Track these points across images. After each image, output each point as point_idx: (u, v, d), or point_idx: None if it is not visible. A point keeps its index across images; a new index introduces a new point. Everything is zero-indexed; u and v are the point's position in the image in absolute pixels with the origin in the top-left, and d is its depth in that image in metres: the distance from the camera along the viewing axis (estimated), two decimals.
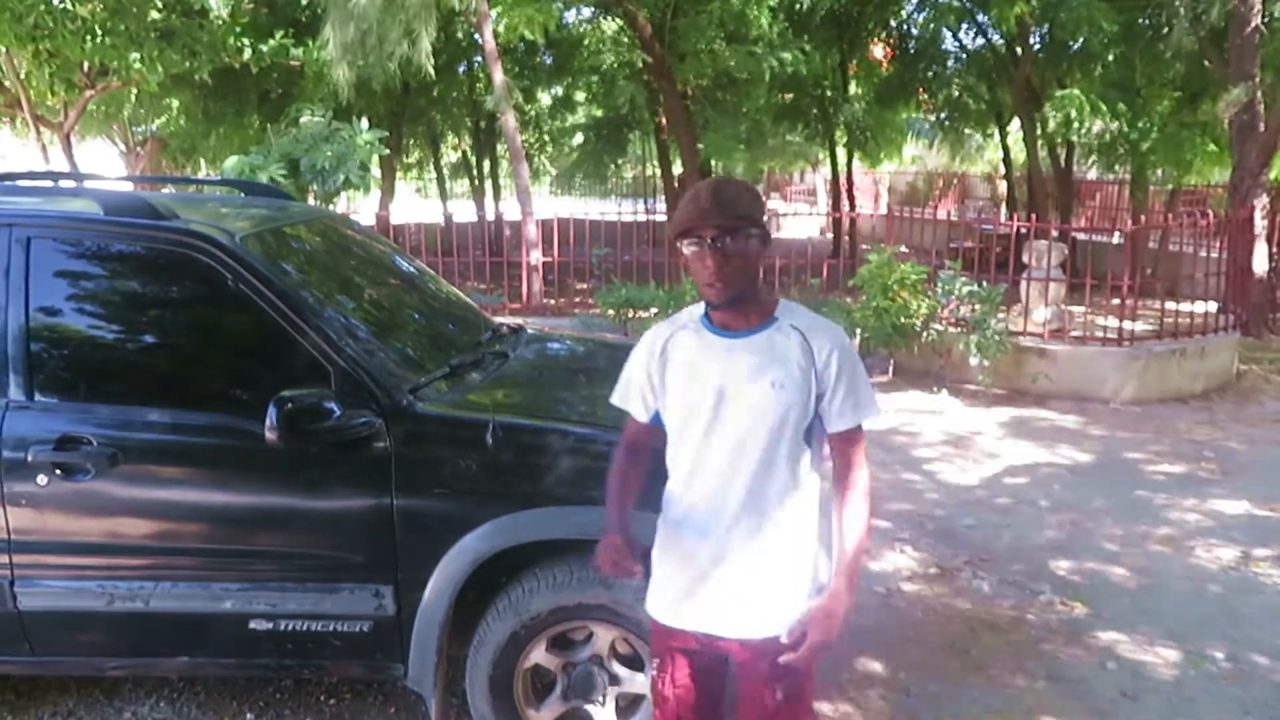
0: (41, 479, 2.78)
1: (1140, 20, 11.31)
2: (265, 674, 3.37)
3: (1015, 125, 16.07)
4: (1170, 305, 8.39)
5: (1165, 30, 11.51)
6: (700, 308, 2.14)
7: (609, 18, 14.12)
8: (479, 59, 14.39)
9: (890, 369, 8.68)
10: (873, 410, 2.11)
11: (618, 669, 2.91)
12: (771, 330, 2.07)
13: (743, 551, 2.07)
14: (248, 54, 9.23)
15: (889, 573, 4.56)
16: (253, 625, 2.86)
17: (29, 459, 2.77)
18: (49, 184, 4.26)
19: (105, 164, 19.33)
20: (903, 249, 9.15)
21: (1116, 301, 8.49)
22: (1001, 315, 8.17)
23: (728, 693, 2.23)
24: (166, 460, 2.89)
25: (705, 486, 2.07)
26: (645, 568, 2.12)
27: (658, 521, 2.20)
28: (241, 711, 3.39)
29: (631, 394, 2.21)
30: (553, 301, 9.87)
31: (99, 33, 8.67)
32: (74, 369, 2.97)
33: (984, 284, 8.13)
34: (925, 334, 8.33)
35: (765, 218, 2.04)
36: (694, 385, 2.06)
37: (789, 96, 15.06)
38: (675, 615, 2.13)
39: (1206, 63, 11.13)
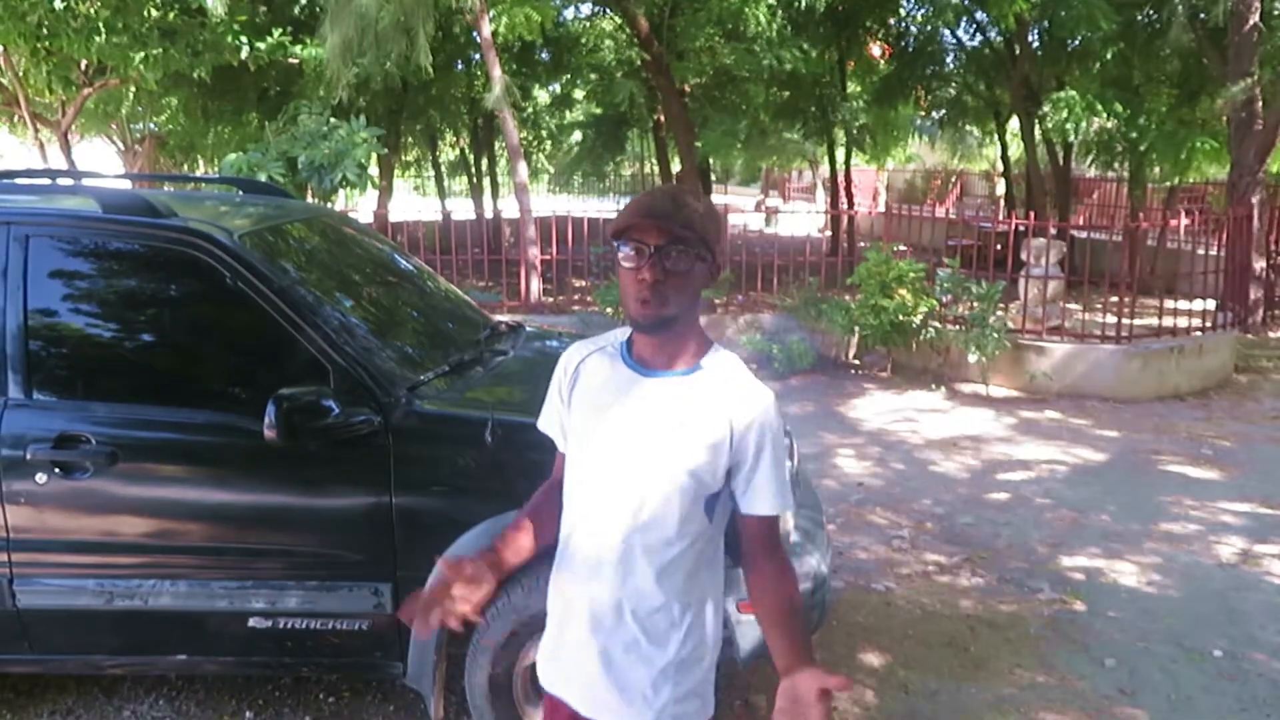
0: (40, 477, 2.78)
1: (1139, 18, 11.32)
2: (264, 672, 3.38)
3: (1014, 123, 16.07)
4: (1168, 303, 8.39)
5: (1164, 28, 11.52)
6: (626, 333, 1.83)
7: (607, 15, 14.11)
8: (477, 56, 14.37)
9: (889, 367, 8.69)
10: (786, 504, 1.77)
11: None
12: (696, 377, 1.75)
13: (617, 621, 1.75)
14: (245, 52, 9.22)
15: (887, 571, 4.56)
16: (251, 623, 2.86)
17: (28, 457, 2.77)
18: (47, 182, 4.26)
19: (103, 162, 19.32)
20: (901, 247, 9.15)
21: (1115, 299, 8.49)
22: (1000, 313, 8.17)
23: None
24: (165, 458, 2.90)
25: (590, 532, 1.77)
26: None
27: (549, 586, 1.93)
28: (240, 709, 3.39)
29: (550, 419, 1.91)
30: (551, 299, 9.87)
31: (102, 31, 8.66)
32: (72, 367, 2.97)
33: (982, 282, 8.13)
34: (924, 332, 8.34)
35: (712, 238, 1.70)
36: (595, 418, 1.77)
37: (787, 94, 15.05)
38: (561, 688, 1.85)
39: (1205, 60, 11.14)
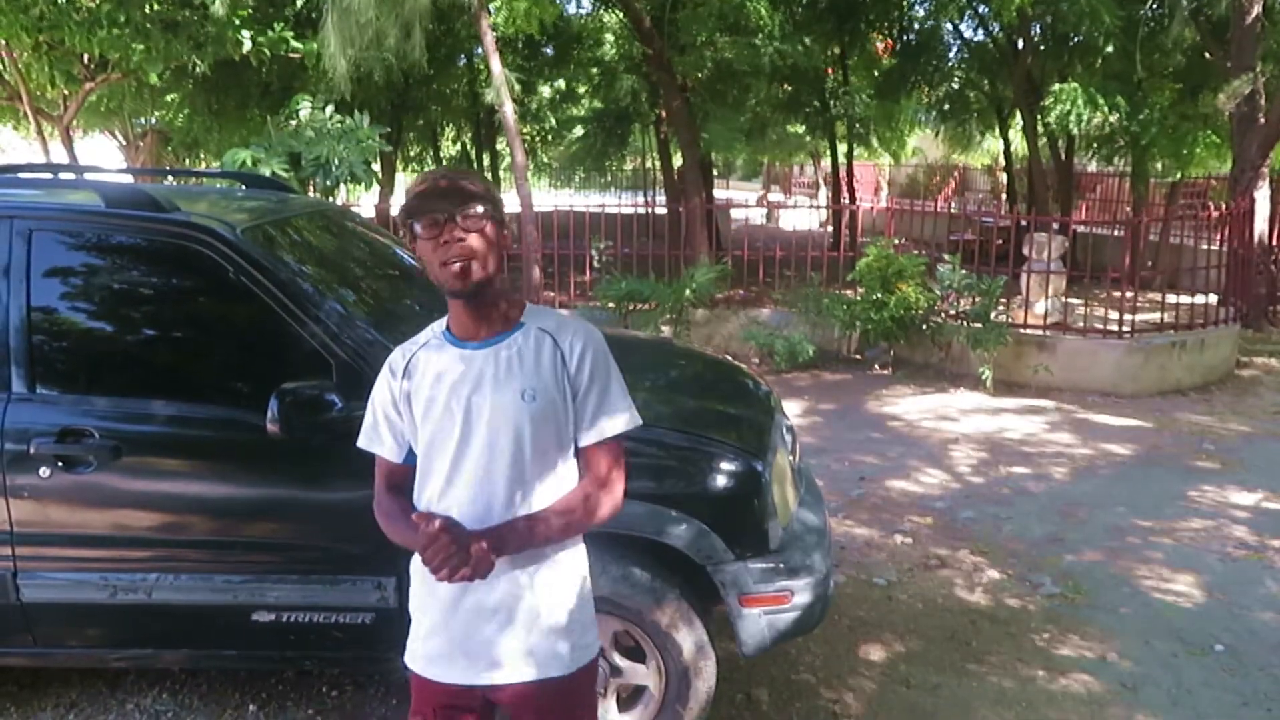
0: (44, 471, 2.78)
1: (1141, 12, 11.29)
2: (267, 666, 3.39)
3: (1015, 117, 16.04)
4: (1170, 298, 8.37)
5: (1166, 22, 11.48)
6: (442, 323, 1.93)
7: (609, 10, 14.09)
8: (479, 50, 14.36)
9: (890, 362, 8.69)
10: (628, 420, 1.92)
11: (619, 660, 2.92)
12: (517, 335, 1.87)
13: (509, 587, 1.86)
14: (247, 46, 9.21)
15: (889, 564, 4.57)
16: (255, 617, 2.87)
17: (31, 451, 2.78)
18: (49, 177, 4.26)
19: (105, 157, 19.32)
20: (902, 241, 9.14)
21: (1116, 294, 8.48)
22: (1002, 307, 8.17)
23: None
24: (168, 453, 2.90)
25: (475, 516, 1.83)
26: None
27: (410, 568, 1.98)
28: (244, 703, 3.40)
29: (379, 433, 1.94)
30: (552, 294, 9.87)
31: (105, 24, 8.65)
32: (76, 361, 2.97)
33: (984, 276, 8.13)
34: (925, 327, 8.34)
35: (500, 204, 1.84)
36: (437, 407, 1.84)
37: (789, 89, 15.03)
38: (444, 669, 1.90)
39: (1207, 54, 11.12)
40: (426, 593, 1.91)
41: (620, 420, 1.92)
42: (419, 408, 1.87)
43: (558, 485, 1.90)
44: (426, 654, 1.92)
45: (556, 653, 1.90)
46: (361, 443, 1.98)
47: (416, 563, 1.91)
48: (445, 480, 1.85)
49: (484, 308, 1.85)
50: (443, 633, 1.89)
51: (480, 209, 1.78)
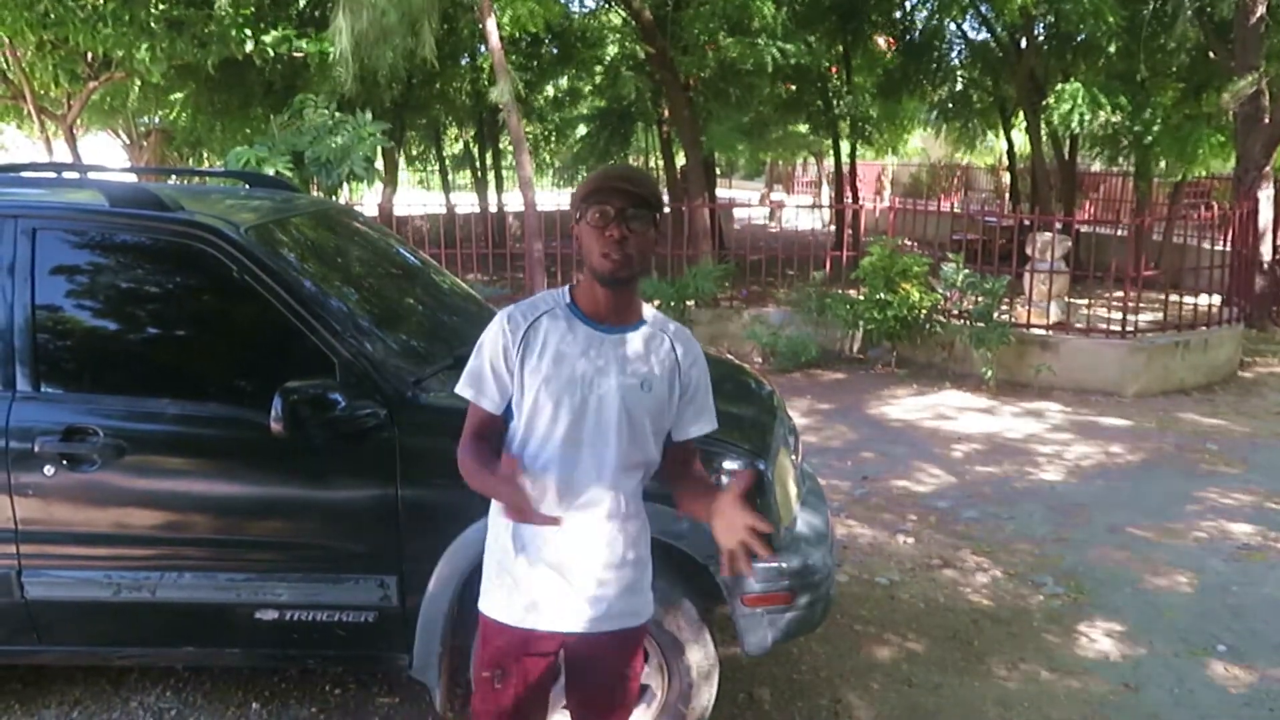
0: (48, 470, 2.79)
1: (1144, 12, 11.27)
2: (270, 664, 3.40)
3: (1018, 116, 16.02)
4: (1174, 297, 8.37)
5: (1170, 22, 11.45)
6: (563, 294, 2.04)
7: (612, 9, 14.09)
8: (482, 49, 14.36)
9: (893, 361, 8.68)
10: (714, 424, 2.13)
11: None
12: (643, 330, 2.03)
13: (606, 541, 2.01)
14: (251, 46, 9.21)
15: (892, 564, 4.57)
16: (258, 615, 2.87)
17: (36, 450, 2.78)
18: (53, 176, 4.27)
19: (109, 156, 19.33)
20: (905, 241, 9.14)
21: (1120, 294, 8.48)
22: (1005, 307, 8.16)
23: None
24: (172, 451, 2.90)
25: (568, 485, 1.97)
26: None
27: (490, 521, 2.09)
28: (247, 701, 3.41)
29: (485, 384, 2.01)
30: None
31: (109, 22, 8.66)
32: (80, 360, 2.98)
33: (987, 276, 8.13)
34: (928, 326, 8.34)
35: (663, 209, 1.98)
36: (561, 377, 1.95)
37: (792, 88, 15.02)
38: (535, 618, 2.02)
39: (1211, 54, 11.09)
40: (515, 544, 2.01)
41: (713, 420, 2.13)
42: (538, 371, 1.95)
43: (642, 469, 2.05)
44: (521, 604, 2.02)
45: (634, 606, 2.07)
46: (461, 388, 2.04)
47: (502, 516, 2.02)
48: (557, 445, 1.96)
49: (622, 298, 1.99)
50: (539, 583, 2.00)
51: (647, 213, 1.90)
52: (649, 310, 2.09)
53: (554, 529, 1.92)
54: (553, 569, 2.00)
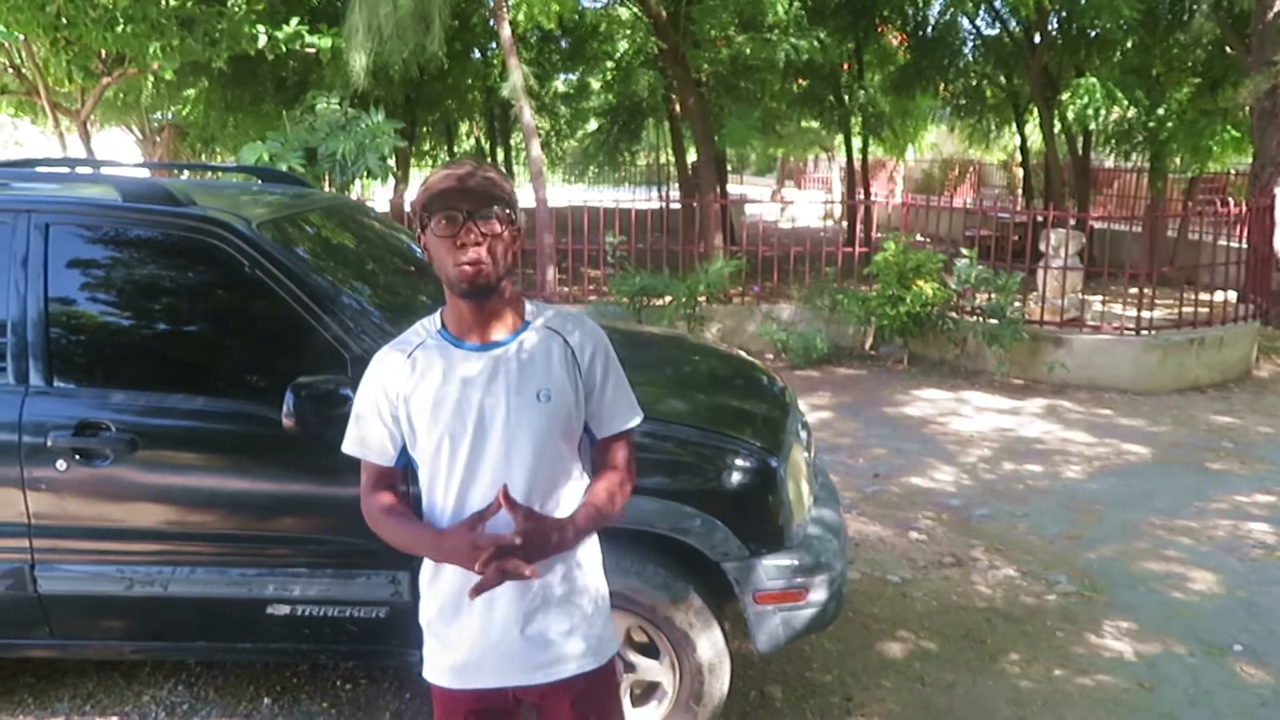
0: (61, 464, 2.80)
1: (1160, 6, 11.20)
2: (282, 659, 3.40)
3: (1032, 112, 15.93)
4: (1188, 294, 8.31)
5: (1186, 17, 11.38)
6: (434, 322, 1.88)
7: (624, 4, 14.07)
8: (494, 45, 14.36)
9: (905, 358, 8.65)
10: (638, 414, 1.95)
11: (633, 657, 2.91)
12: (526, 335, 1.84)
13: (539, 587, 1.83)
14: (263, 41, 9.23)
15: (904, 562, 4.55)
16: (270, 610, 2.88)
17: (49, 444, 2.79)
18: (66, 171, 4.28)
19: (122, 152, 19.40)
20: (918, 237, 9.10)
21: (1134, 290, 8.42)
22: (1018, 304, 8.12)
23: None
24: (184, 446, 2.90)
25: (481, 524, 1.77)
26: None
27: (421, 575, 1.93)
28: (259, 696, 3.41)
29: (370, 437, 1.87)
30: (566, 289, 9.87)
31: (120, 21, 8.69)
32: (92, 355, 2.99)
33: (1000, 273, 8.09)
34: (941, 323, 8.30)
35: (516, 203, 1.81)
36: (447, 410, 1.78)
37: (804, 83, 14.97)
38: (474, 676, 1.86)
39: (1227, 49, 11.01)
40: (449, 601, 1.86)
41: (634, 413, 1.95)
42: (424, 409, 1.80)
43: (569, 482, 1.89)
44: (453, 665, 1.87)
45: (586, 648, 1.89)
46: (348, 449, 1.91)
47: (431, 572, 1.88)
48: (460, 483, 1.81)
49: (491, 308, 1.82)
50: (470, 639, 1.85)
51: (498, 211, 1.75)
52: (533, 309, 1.90)
53: (463, 573, 1.76)
54: (480, 620, 1.83)
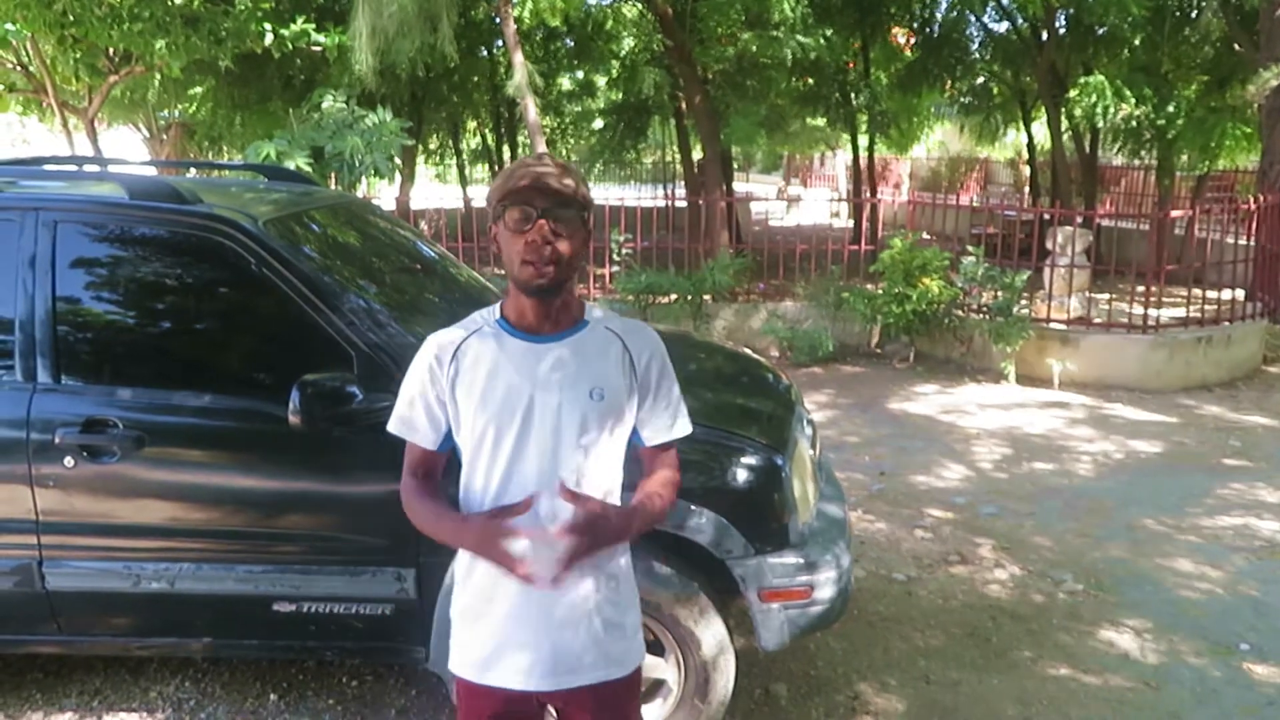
0: (68, 461, 2.81)
1: (1168, 3, 11.15)
2: (288, 656, 3.41)
3: (1039, 110, 15.90)
4: (1196, 292, 8.29)
5: (1194, 14, 11.33)
6: (493, 311, 1.87)
7: (630, 1, 14.07)
8: (500, 43, 14.36)
9: (911, 356, 8.64)
10: (689, 427, 1.95)
11: None
12: (584, 333, 1.84)
13: (577, 591, 1.81)
14: (269, 39, 9.24)
15: (910, 560, 4.54)
16: (276, 607, 2.89)
17: (56, 441, 2.80)
18: (74, 168, 4.30)
19: (129, 150, 19.44)
20: (924, 235, 9.09)
21: (1141, 288, 8.40)
22: (1024, 302, 8.11)
23: None
24: (191, 443, 2.92)
25: (535, 510, 1.77)
26: None
27: (456, 565, 1.92)
28: (265, 692, 3.42)
29: (416, 418, 1.86)
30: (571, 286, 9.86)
31: (127, 19, 8.71)
32: (100, 352, 3.00)
33: (1007, 271, 8.07)
34: (947, 321, 8.29)
35: (591, 204, 1.81)
36: (496, 399, 1.78)
37: (810, 81, 14.96)
38: (500, 675, 1.84)
39: (1236, 46, 10.96)
40: (482, 597, 1.84)
41: (685, 423, 1.95)
42: (472, 396, 1.79)
43: (610, 482, 1.88)
44: (483, 660, 1.85)
45: (617, 655, 1.88)
46: (393, 428, 1.90)
47: (466, 565, 1.87)
48: (502, 473, 1.79)
49: (554, 304, 1.81)
50: (501, 637, 1.83)
51: (572, 213, 1.74)
52: (592, 309, 1.90)
53: (505, 572, 1.73)
54: (511, 620, 1.81)
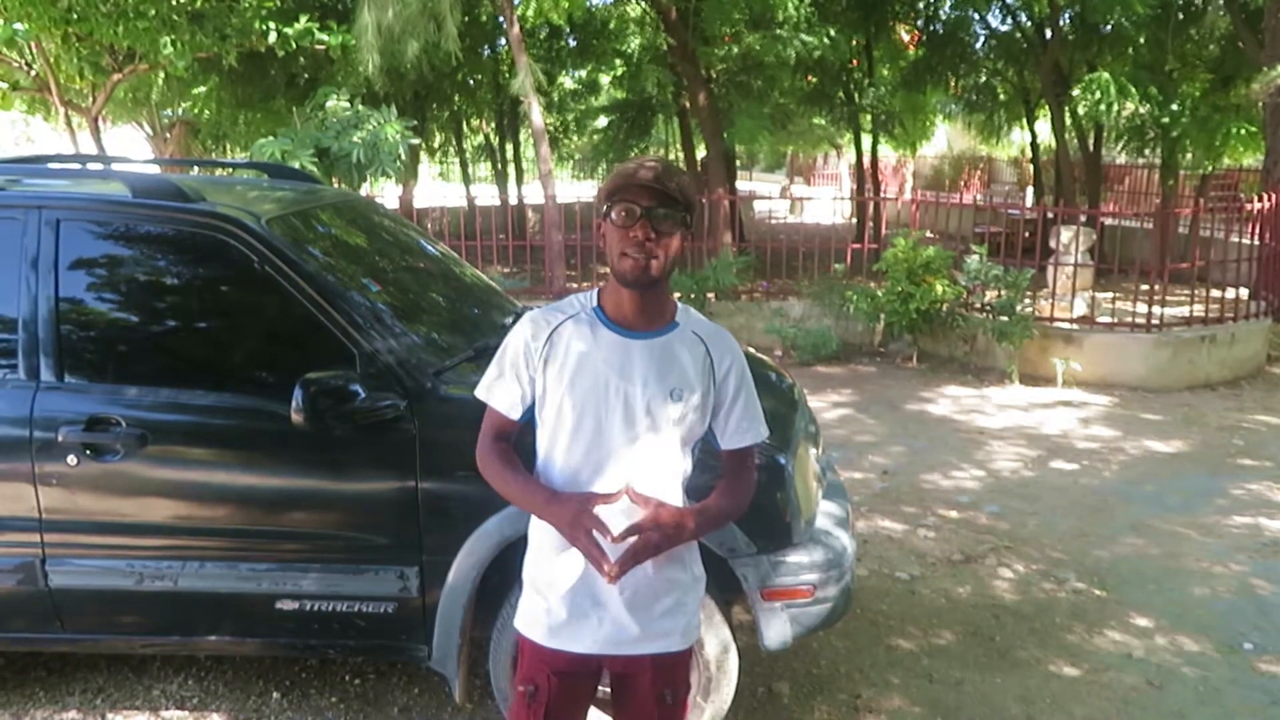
0: (71, 459, 2.81)
1: (1173, 1, 11.12)
2: (291, 654, 3.41)
3: (1043, 108, 15.87)
4: (1200, 291, 8.27)
5: (1199, 12, 11.30)
6: (591, 298, 1.95)
7: (634, 1, 14.06)
8: (503, 42, 14.36)
9: (915, 355, 8.63)
10: (765, 432, 2.04)
11: None
12: (673, 335, 1.92)
13: (645, 567, 1.88)
14: (273, 38, 9.25)
15: (913, 559, 4.54)
16: (279, 605, 2.89)
17: (59, 439, 2.81)
18: (77, 167, 4.30)
19: (133, 149, 19.46)
20: (928, 234, 9.08)
21: (1145, 287, 8.39)
22: (1028, 301, 8.09)
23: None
24: (194, 441, 2.92)
25: (614, 489, 1.87)
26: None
27: (530, 530, 2.01)
28: (268, 690, 3.43)
29: (505, 387, 1.95)
30: (576, 285, 9.87)
31: (131, 16, 8.73)
32: (103, 351, 3.00)
33: (1011, 269, 8.06)
34: (951, 320, 8.28)
35: (695, 209, 1.87)
36: (583, 385, 1.87)
37: (814, 80, 14.94)
38: (566, 639, 1.93)
39: (1241, 44, 10.94)
40: (557, 563, 1.93)
41: (762, 429, 2.03)
42: (560, 378, 1.88)
43: (676, 480, 1.96)
44: (552, 624, 1.94)
45: (677, 630, 1.97)
46: (480, 392, 1.99)
47: (540, 532, 1.95)
48: (580, 457, 1.89)
49: (649, 301, 1.89)
50: (572, 604, 1.92)
51: (675, 215, 1.81)
52: (684, 312, 1.98)
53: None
54: (584, 589, 1.91)
